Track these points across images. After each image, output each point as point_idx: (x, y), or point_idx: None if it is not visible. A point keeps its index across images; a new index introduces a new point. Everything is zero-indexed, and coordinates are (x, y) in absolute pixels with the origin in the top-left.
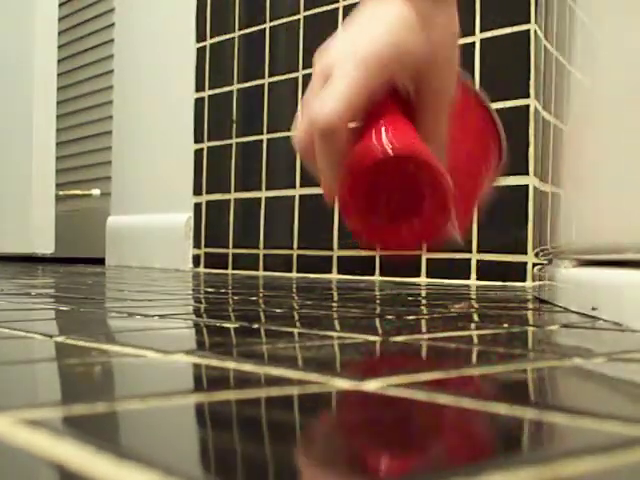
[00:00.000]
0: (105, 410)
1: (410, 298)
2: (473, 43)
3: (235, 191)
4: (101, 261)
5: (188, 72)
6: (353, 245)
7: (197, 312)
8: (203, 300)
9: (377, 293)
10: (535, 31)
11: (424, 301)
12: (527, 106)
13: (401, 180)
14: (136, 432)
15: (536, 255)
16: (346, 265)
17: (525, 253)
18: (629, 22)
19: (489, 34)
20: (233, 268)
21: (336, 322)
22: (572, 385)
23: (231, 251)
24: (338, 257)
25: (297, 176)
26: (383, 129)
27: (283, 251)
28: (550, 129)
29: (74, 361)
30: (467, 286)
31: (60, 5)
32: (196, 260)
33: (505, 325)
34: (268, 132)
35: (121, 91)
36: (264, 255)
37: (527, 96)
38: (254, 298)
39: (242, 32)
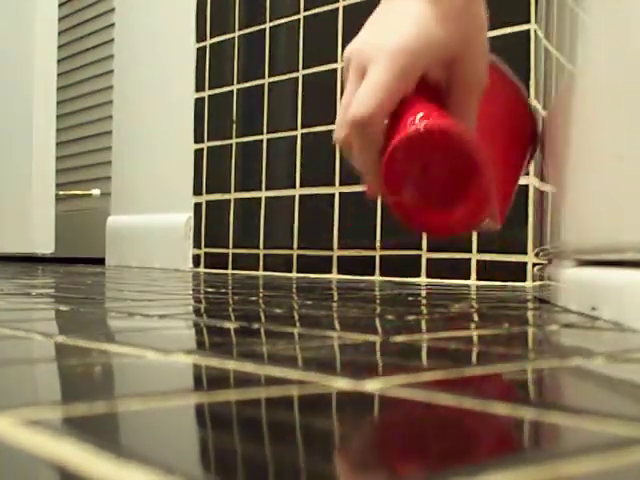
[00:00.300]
0: (105, 410)
1: (410, 298)
2: None
3: (235, 191)
4: (101, 261)
5: (188, 72)
6: (352, 245)
7: (197, 312)
8: (203, 300)
9: (377, 293)
10: (535, 31)
11: (424, 301)
12: None
13: (439, 162)
14: (136, 432)
15: (536, 255)
16: (346, 265)
17: (525, 253)
18: (629, 22)
19: (489, 34)
20: (233, 268)
21: (336, 322)
22: (572, 385)
23: (231, 251)
24: (338, 257)
25: (297, 176)
26: (417, 111)
27: (283, 251)
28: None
29: (74, 361)
30: (467, 286)
31: (60, 5)
32: (196, 260)
33: (505, 325)
34: (268, 132)
35: (121, 91)
36: (264, 255)
37: (527, 96)
38: (254, 298)
39: (242, 32)
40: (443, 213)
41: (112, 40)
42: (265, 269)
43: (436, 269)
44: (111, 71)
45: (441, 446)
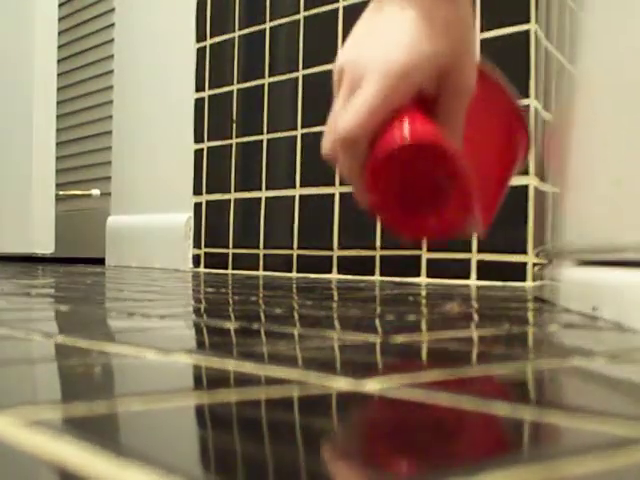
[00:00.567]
0: (105, 410)
1: (410, 298)
2: None
3: (235, 191)
4: (101, 261)
5: (188, 72)
6: (352, 246)
7: (197, 312)
8: (203, 300)
9: (377, 293)
10: (535, 31)
11: (424, 301)
12: (527, 106)
13: (423, 171)
14: (136, 432)
15: (536, 255)
16: (346, 265)
17: (525, 253)
18: (629, 22)
19: (489, 34)
20: (233, 268)
21: (336, 322)
22: (572, 385)
23: (231, 251)
24: (338, 257)
25: (297, 176)
26: (402, 121)
27: (283, 251)
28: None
29: (74, 361)
30: (467, 286)
31: (60, 5)
32: (196, 260)
33: (505, 325)
34: (268, 132)
35: (121, 91)
36: (264, 255)
37: (527, 96)
38: (254, 298)
39: (242, 32)
40: (425, 219)
41: (112, 40)
42: (265, 269)
43: (436, 269)
44: (111, 71)
45: (441, 446)
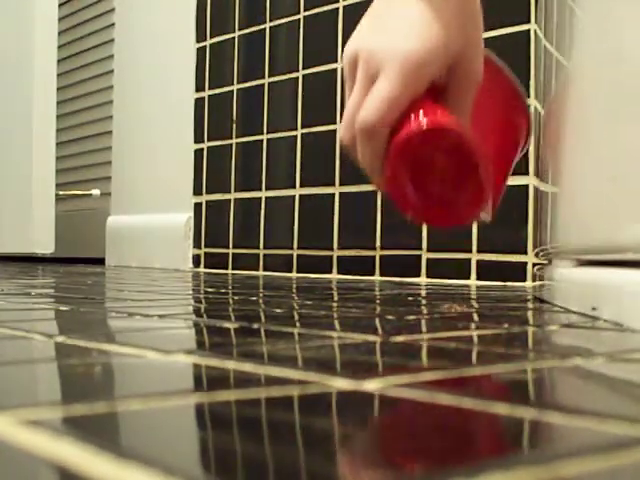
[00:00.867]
0: (105, 410)
1: (410, 298)
2: None
3: (235, 191)
4: (101, 261)
5: (188, 72)
6: (353, 246)
7: (197, 312)
8: (203, 300)
9: (377, 293)
10: (535, 31)
11: (424, 301)
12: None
13: (439, 158)
14: (136, 432)
15: (536, 255)
16: (346, 265)
17: (525, 253)
18: (629, 22)
19: (489, 34)
20: (233, 268)
21: (336, 322)
22: (572, 385)
23: (231, 251)
24: (338, 257)
25: (297, 176)
26: (421, 109)
27: (283, 251)
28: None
29: (74, 361)
30: (467, 286)
31: (60, 5)
32: (196, 260)
33: (505, 325)
34: (268, 132)
35: (121, 91)
36: (264, 255)
37: (527, 96)
38: (254, 298)
39: (242, 32)
40: (444, 206)
41: (112, 40)
42: (265, 269)
43: (436, 269)
44: (111, 71)
45: (441, 446)
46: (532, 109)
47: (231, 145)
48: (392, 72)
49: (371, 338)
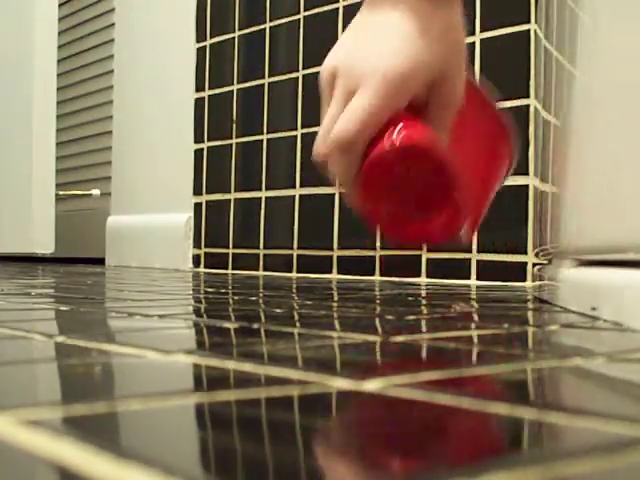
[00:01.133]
0: (105, 410)
1: (410, 298)
2: (473, 43)
3: (235, 191)
4: (101, 261)
5: (188, 72)
6: (354, 246)
7: (197, 312)
8: (203, 300)
9: (377, 293)
10: (535, 31)
11: (424, 301)
12: (527, 106)
13: (414, 175)
14: (136, 432)
15: (536, 255)
16: (346, 265)
17: (525, 253)
18: (629, 22)
19: (489, 34)
20: (233, 268)
21: (336, 322)
22: (572, 385)
23: (231, 251)
24: (338, 257)
25: (297, 176)
26: (397, 126)
27: (283, 251)
28: (550, 129)
29: (74, 361)
30: (467, 286)
31: (60, 5)
32: (196, 260)
33: (505, 325)
34: (268, 132)
35: (121, 91)
36: (264, 255)
37: (527, 96)
38: (254, 298)
39: (242, 32)
40: (418, 224)
41: (112, 40)
42: (265, 269)
43: (436, 269)
44: (111, 71)
45: (441, 446)
46: (532, 109)
47: (231, 145)
48: (371, 86)
49: (371, 338)
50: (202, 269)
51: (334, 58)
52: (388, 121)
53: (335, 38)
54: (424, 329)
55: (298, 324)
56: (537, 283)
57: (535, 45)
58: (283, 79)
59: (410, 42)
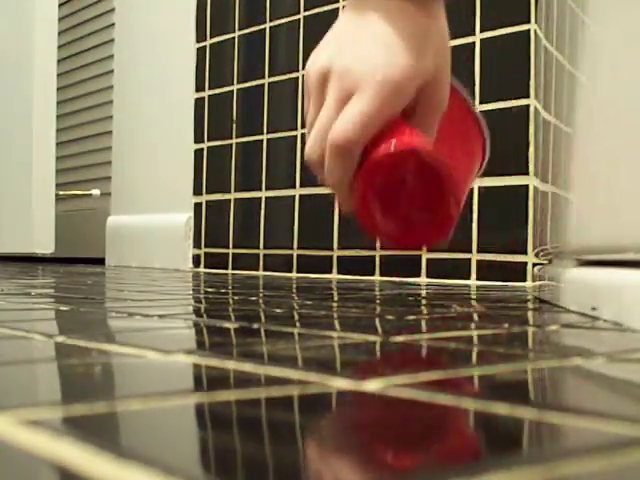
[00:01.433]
0: (105, 410)
1: (410, 298)
2: (473, 43)
3: (235, 191)
4: (101, 261)
5: (188, 72)
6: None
7: (197, 312)
8: (203, 300)
9: (377, 293)
10: (535, 31)
11: (424, 301)
12: (527, 106)
13: (409, 180)
14: (136, 432)
15: (536, 255)
16: (346, 265)
17: (525, 253)
18: (630, 22)
19: (489, 34)
20: (233, 268)
21: (336, 322)
22: (572, 385)
23: (231, 251)
24: (338, 257)
25: (297, 176)
26: (395, 131)
27: (283, 251)
28: (550, 129)
29: (74, 361)
30: (467, 286)
31: (60, 5)
32: (196, 260)
33: (505, 325)
34: (268, 132)
35: (121, 91)
36: (264, 255)
37: (527, 96)
38: (254, 298)
39: (242, 32)
40: (411, 227)
41: (112, 40)
42: (265, 269)
43: (436, 269)
44: (111, 71)
45: (441, 446)
46: (532, 109)
47: (231, 145)
48: (371, 91)
49: (371, 338)
50: (202, 269)
51: (325, 59)
52: (384, 126)
53: None
54: (424, 329)
55: (298, 324)
56: (537, 283)
57: (535, 45)
58: (283, 79)
59: (404, 47)
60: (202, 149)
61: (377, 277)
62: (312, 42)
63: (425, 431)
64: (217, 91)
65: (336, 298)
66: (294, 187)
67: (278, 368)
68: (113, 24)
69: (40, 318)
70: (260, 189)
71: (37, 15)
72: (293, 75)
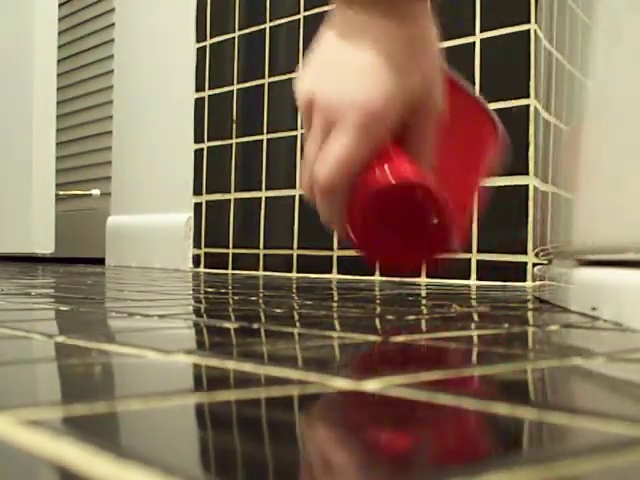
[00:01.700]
0: (105, 410)
1: (410, 298)
2: (473, 43)
3: (235, 191)
4: (101, 261)
5: (188, 72)
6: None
7: (197, 312)
8: (203, 300)
9: (377, 293)
10: (535, 31)
11: (424, 301)
12: (527, 106)
13: (405, 208)
14: (136, 432)
15: (536, 255)
16: (346, 265)
17: (525, 253)
18: (630, 22)
19: (489, 34)
20: (233, 268)
21: (336, 322)
22: (572, 385)
23: (231, 251)
24: (338, 257)
25: (297, 176)
26: (382, 162)
27: (283, 251)
28: (550, 129)
29: (74, 361)
30: (467, 286)
31: (60, 5)
32: (196, 260)
33: (505, 325)
34: (268, 132)
35: (121, 91)
36: (264, 255)
37: (527, 96)
38: (254, 298)
39: (242, 32)
40: (411, 251)
41: (112, 40)
42: (265, 269)
43: (436, 269)
44: (111, 71)
45: (441, 446)
46: (532, 109)
47: (231, 145)
48: (349, 124)
49: (371, 338)
50: (202, 269)
51: (308, 84)
52: (373, 155)
53: None
54: (424, 329)
55: (298, 324)
56: (537, 283)
57: (535, 45)
58: (283, 79)
59: (382, 73)
60: (202, 149)
61: (377, 277)
62: (312, 42)
63: (425, 431)
64: (217, 91)
65: (336, 298)
66: (294, 187)
67: (278, 368)
68: (113, 24)
69: (40, 318)
70: (260, 189)
71: (37, 15)
72: (293, 75)
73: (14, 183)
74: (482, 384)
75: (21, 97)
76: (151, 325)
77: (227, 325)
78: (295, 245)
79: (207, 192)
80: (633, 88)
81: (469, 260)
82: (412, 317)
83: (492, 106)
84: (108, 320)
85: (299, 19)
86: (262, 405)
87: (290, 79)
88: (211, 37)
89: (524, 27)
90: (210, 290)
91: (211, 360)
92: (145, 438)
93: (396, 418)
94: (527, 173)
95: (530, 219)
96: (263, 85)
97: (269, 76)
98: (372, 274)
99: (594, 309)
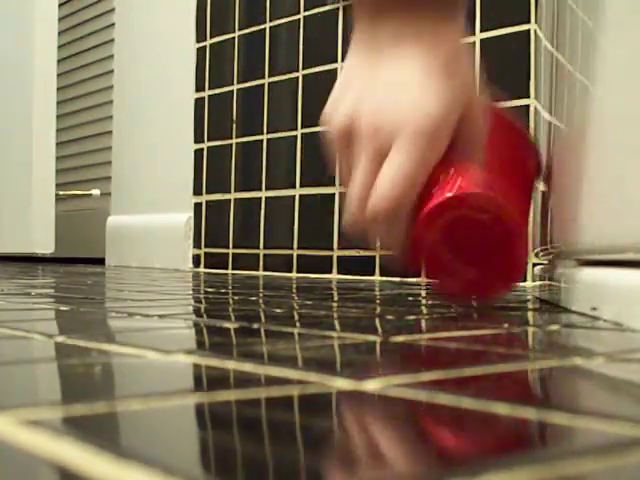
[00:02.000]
0: (105, 410)
1: (410, 298)
2: (473, 43)
3: (235, 191)
4: (101, 261)
5: (188, 72)
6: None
7: (197, 312)
8: (203, 300)
9: (377, 293)
10: (535, 31)
11: (424, 301)
12: (527, 106)
13: (471, 226)
14: (136, 432)
15: (536, 255)
16: (346, 265)
17: None
18: (630, 21)
19: (489, 34)
20: (233, 268)
21: (336, 322)
22: (572, 385)
23: (231, 251)
24: (338, 257)
25: (297, 176)
26: (447, 177)
27: (283, 251)
28: (550, 129)
29: (74, 361)
30: None
31: (60, 5)
32: (196, 260)
33: (505, 325)
34: (268, 132)
35: (121, 91)
36: (264, 255)
37: (527, 96)
38: (254, 298)
39: (242, 32)
40: (480, 275)
41: (112, 40)
42: (265, 269)
43: None
44: (111, 71)
45: (441, 446)
46: (532, 109)
47: (231, 145)
48: (407, 146)
49: (371, 338)
50: (202, 269)
51: (343, 114)
52: (433, 173)
53: (335, 38)
54: (424, 329)
55: (298, 324)
56: (537, 283)
57: (535, 45)
58: (283, 79)
59: (429, 89)
60: (202, 149)
61: (377, 277)
62: (312, 42)
63: (425, 431)
64: (217, 91)
65: (336, 298)
66: (294, 187)
67: (278, 368)
68: (113, 24)
69: (40, 318)
70: (260, 189)
71: (37, 15)
72: (293, 75)
73: (14, 183)
74: (482, 384)
75: (21, 97)
76: (151, 325)
77: (227, 325)
78: (295, 245)
79: (207, 192)
80: (634, 88)
81: None
82: (412, 317)
83: (521, 123)
84: (108, 320)
85: (299, 19)
86: (262, 405)
87: (290, 79)
88: (211, 37)
89: (524, 27)
90: (210, 290)
91: (211, 360)
92: (145, 438)
93: (396, 418)
94: None
95: (530, 219)
96: (263, 85)
97: (269, 76)
98: (372, 274)
99: (594, 309)
